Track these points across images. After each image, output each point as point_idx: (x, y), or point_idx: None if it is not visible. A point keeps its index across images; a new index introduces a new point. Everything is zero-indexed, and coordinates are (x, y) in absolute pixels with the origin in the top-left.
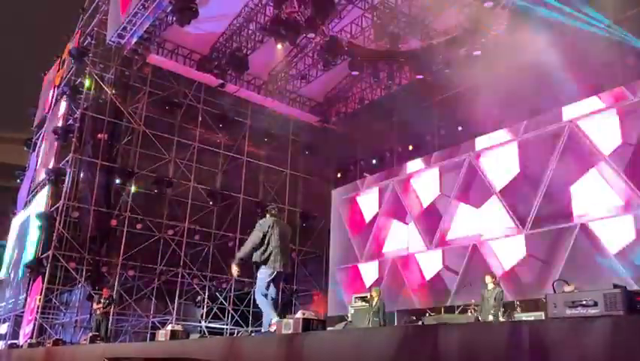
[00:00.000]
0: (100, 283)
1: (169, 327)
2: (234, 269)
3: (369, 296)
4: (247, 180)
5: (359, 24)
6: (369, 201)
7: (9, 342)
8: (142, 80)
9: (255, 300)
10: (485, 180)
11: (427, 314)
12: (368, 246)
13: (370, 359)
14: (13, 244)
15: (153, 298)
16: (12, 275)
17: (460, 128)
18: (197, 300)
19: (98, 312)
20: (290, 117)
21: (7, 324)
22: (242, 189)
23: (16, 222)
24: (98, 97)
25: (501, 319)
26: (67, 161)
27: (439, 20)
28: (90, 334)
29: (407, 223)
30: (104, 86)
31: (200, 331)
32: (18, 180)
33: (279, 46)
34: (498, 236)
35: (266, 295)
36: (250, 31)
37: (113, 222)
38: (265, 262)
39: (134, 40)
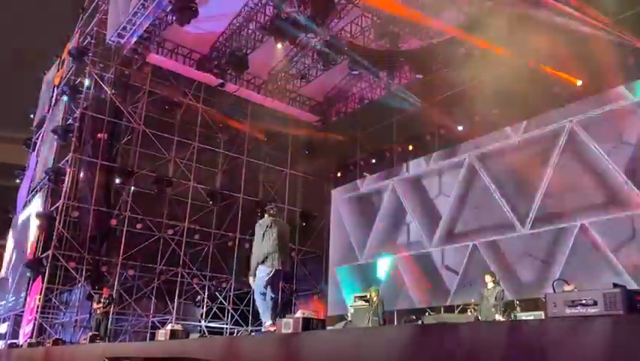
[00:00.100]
0: (100, 283)
1: (169, 327)
2: (251, 280)
3: (368, 296)
4: (247, 179)
5: (359, 24)
6: (369, 201)
7: (9, 342)
8: (142, 80)
9: (254, 300)
10: (485, 179)
11: (427, 314)
12: (368, 245)
13: (370, 358)
14: (13, 244)
15: (153, 298)
16: (12, 275)
17: (460, 128)
18: (196, 300)
19: (99, 312)
20: (290, 117)
21: (6, 324)
22: (242, 189)
23: (16, 222)
24: (98, 96)
25: (501, 318)
26: (67, 160)
27: (438, 20)
28: (90, 333)
29: (407, 223)
30: (103, 86)
31: (200, 330)
32: (18, 180)
33: (279, 45)
34: (498, 236)
35: (264, 294)
36: (250, 31)
37: (113, 221)
38: (263, 261)
39: (134, 39)
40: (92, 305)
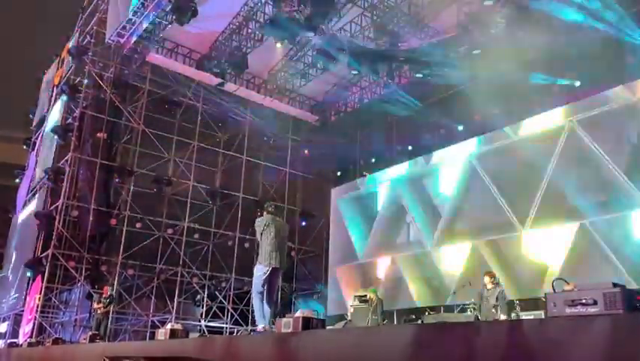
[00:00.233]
0: (99, 282)
1: (168, 326)
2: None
3: (368, 296)
4: (246, 179)
5: (359, 23)
6: (368, 201)
7: (8, 341)
8: (141, 79)
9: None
10: (485, 179)
11: (427, 313)
12: (368, 245)
13: (370, 358)
14: (13, 243)
15: (153, 297)
16: (11, 274)
17: (460, 128)
18: (196, 299)
19: (99, 311)
20: (289, 116)
21: (6, 323)
22: (241, 188)
23: (15, 222)
24: (98, 96)
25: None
26: (67, 160)
27: (438, 19)
28: (90, 333)
29: (407, 223)
30: (103, 85)
31: (200, 330)
32: (17, 180)
33: (279, 45)
34: (498, 236)
35: (262, 293)
36: (249, 30)
37: (113, 221)
38: (261, 259)
39: (134, 39)
40: (91, 305)
